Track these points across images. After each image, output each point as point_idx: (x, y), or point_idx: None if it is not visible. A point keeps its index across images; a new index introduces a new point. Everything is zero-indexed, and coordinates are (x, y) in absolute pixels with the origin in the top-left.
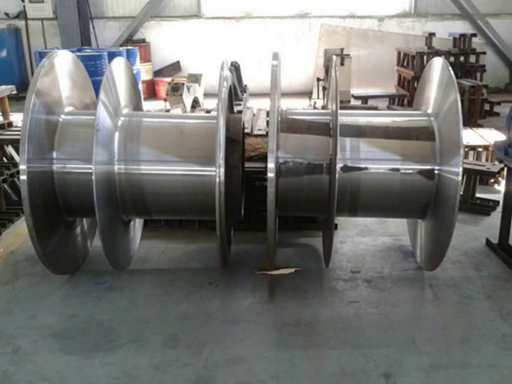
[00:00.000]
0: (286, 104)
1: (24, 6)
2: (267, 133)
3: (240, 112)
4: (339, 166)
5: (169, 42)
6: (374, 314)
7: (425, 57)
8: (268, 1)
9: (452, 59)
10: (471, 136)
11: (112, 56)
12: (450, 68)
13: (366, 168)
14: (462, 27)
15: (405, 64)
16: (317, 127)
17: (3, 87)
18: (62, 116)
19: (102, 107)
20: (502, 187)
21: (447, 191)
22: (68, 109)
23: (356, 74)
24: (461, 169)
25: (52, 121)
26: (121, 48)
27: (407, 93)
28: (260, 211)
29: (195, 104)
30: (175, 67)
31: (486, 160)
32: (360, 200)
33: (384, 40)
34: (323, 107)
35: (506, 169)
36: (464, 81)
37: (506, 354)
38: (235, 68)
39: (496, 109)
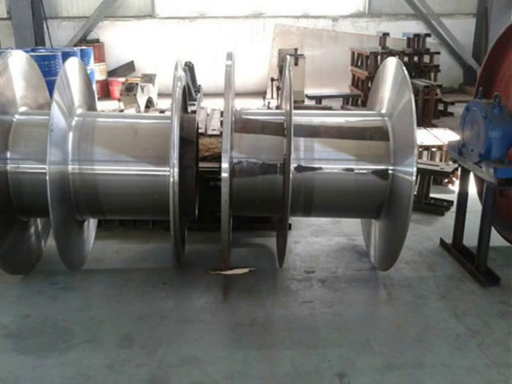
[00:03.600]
0: (240, 104)
1: None
2: (221, 133)
3: (194, 112)
4: (293, 166)
5: (123, 42)
6: (328, 314)
7: (379, 57)
8: (222, 1)
9: (406, 59)
10: (425, 136)
11: (66, 56)
12: (404, 68)
13: (320, 168)
14: (415, 27)
15: (359, 64)
16: (271, 127)
17: None
18: (16, 116)
19: (56, 107)
20: (455, 187)
21: (401, 191)
22: (22, 109)
23: (310, 74)
24: (415, 169)
25: (6, 121)
26: (75, 48)
27: (361, 93)
28: (214, 211)
29: (149, 104)
30: (129, 67)
31: (440, 160)
32: (314, 200)
33: (338, 40)
34: (277, 107)
35: (459, 169)
36: (418, 81)
37: (459, 353)
38: (189, 68)
39: (450, 109)
